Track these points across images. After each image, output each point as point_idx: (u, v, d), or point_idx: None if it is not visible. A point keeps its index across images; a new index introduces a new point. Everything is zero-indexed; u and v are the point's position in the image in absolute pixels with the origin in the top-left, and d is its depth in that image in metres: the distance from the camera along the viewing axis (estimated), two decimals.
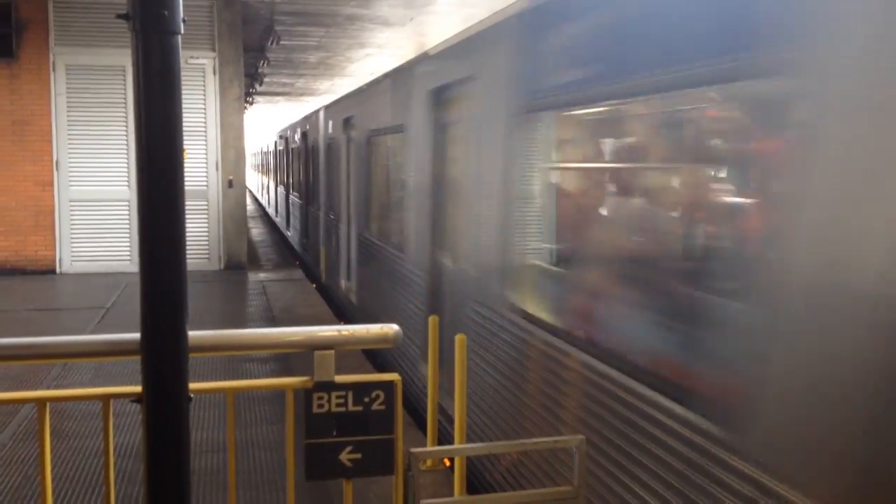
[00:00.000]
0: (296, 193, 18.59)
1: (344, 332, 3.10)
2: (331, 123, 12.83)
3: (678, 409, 3.19)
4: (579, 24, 4.39)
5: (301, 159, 17.57)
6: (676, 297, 3.58)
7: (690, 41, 3.27)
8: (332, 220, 12.49)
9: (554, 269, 4.86)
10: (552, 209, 4.94)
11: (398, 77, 8.35)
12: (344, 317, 11.37)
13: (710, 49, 3.13)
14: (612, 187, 4.48)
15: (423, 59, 7.61)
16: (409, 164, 7.69)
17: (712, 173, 3.51)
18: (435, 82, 6.82)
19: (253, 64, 20.04)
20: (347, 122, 11.14)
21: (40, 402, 2.91)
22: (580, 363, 4.08)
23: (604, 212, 4.51)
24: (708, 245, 3.52)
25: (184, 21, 2.68)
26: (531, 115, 4.90)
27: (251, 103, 31.82)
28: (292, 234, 19.10)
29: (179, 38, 2.65)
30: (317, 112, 15.11)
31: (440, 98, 6.83)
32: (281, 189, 23.54)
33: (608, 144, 4.53)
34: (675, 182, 3.93)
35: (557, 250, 4.90)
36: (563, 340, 4.34)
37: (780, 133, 2.85)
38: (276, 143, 25.56)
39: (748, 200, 3.24)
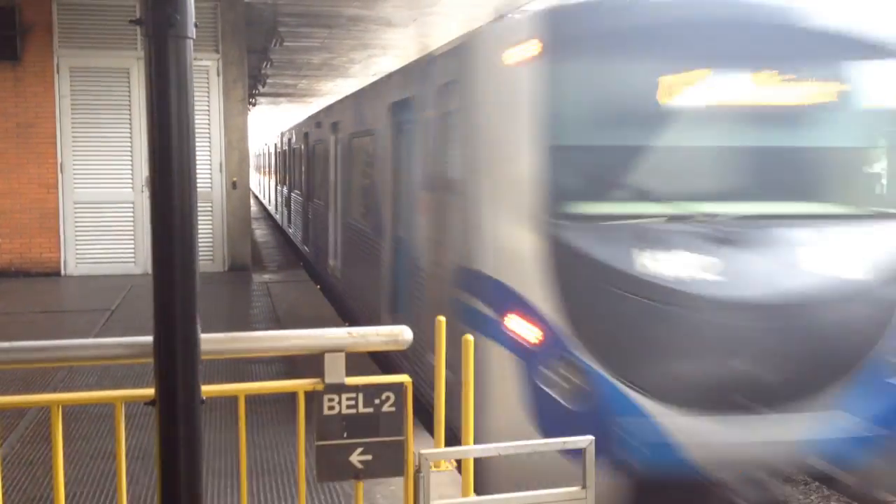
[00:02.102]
0: (294, 189, 20.16)
1: (354, 335, 3.12)
2: (322, 127, 14.53)
3: None
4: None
5: (297, 158, 19.18)
6: None
7: None
8: (322, 210, 13.93)
9: None
10: None
11: (370, 92, 9.98)
12: (330, 294, 12.67)
13: None
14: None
15: (385, 80, 9.21)
16: (377, 161, 8.97)
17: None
18: (392, 99, 8.19)
19: (256, 65, 20.07)
20: (335, 126, 12.58)
21: (53, 405, 2.93)
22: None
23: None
24: None
25: (196, 25, 2.70)
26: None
27: (254, 104, 31.94)
28: (292, 231, 20.54)
29: (191, 42, 2.67)
30: (312, 116, 16.70)
31: (396, 110, 8.05)
32: (280, 186, 25.19)
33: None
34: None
35: None
36: None
37: None
38: (276, 144, 27.40)
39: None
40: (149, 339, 2.76)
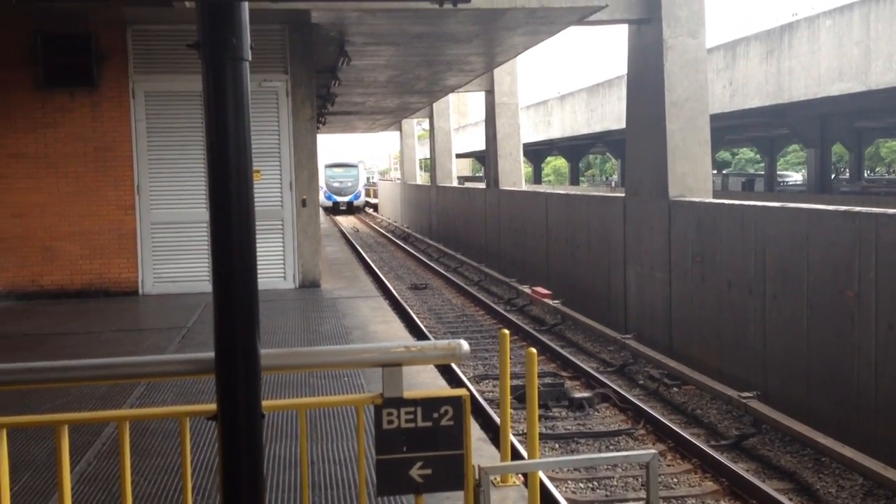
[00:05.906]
0: None
1: (412, 349, 3.14)
2: None
3: None
4: None
5: None
6: None
7: None
8: None
9: None
10: None
11: None
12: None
13: None
14: None
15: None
16: None
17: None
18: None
19: (325, 84, 20.37)
20: None
21: (121, 421, 3.01)
22: None
23: None
24: None
25: (252, 48, 2.76)
26: None
27: (324, 123, 32.67)
28: None
29: (248, 64, 2.72)
30: None
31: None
32: None
33: None
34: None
35: None
36: None
37: None
38: None
39: None
40: (211, 354, 2.82)
